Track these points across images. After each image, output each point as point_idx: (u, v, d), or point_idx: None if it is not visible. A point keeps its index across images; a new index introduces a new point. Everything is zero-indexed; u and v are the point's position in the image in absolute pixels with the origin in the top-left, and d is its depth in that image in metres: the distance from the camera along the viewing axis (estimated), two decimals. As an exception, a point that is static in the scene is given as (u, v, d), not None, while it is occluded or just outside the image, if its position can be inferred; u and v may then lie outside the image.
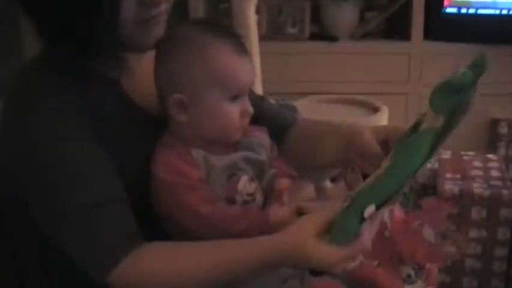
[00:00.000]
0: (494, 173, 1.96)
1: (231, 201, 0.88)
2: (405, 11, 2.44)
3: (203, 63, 0.87)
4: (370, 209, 0.71)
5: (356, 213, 0.72)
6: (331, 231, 0.74)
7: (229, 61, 0.87)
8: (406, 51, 2.45)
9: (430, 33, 2.39)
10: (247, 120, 0.91)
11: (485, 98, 2.48)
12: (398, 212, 0.92)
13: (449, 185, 1.81)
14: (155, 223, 0.88)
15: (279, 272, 0.87)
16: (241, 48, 0.90)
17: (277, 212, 0.86)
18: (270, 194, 0.92)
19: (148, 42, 0.87)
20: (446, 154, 2.35)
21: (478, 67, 0.71)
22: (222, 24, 0.99)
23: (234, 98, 0.88)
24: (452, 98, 0.70)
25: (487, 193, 1.81)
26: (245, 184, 0.90)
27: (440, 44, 2.40)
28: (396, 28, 2.50)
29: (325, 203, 0.88)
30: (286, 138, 1.07)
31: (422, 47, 2.42)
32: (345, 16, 2.50)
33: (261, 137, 0.97)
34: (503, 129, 2.45)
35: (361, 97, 2.29)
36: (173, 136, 0.90)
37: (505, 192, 1.81)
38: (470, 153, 2.37)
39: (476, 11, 2.40)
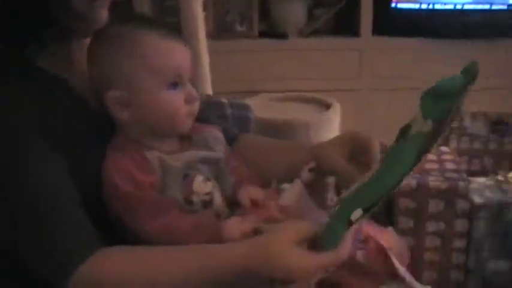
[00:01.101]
0: (450, 166, 1.95)
1: (189, 202, 0.84)
2: (354, 7, 2.43)
3: (133, 53, 0.83)
4: (357, 212, 0.69)
5: (343, 218, 0.70)
6: (315, 240, 0.72)
7: (158, 46, 0.84)
8: (356, 47, 2.44)
9: (379, 29, 2.39)
10: (195, 106, 0.87)
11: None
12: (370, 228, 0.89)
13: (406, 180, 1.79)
14: (113, 228, 0.82)
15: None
16: (171, 32, 0.86)
17: (232, 229, 0.80)
18: (234, 202, 0.89)
19: (93, 26, 0.83)
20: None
21: (469, 73, 0.71)
22: (156, 20, 0.95)
23: (175, 86, 0.84)
24: (441, 103, 0.70)
25: (443, 186, 1.80)
26: (200, 184, 0.86)
27: (390, 39, 2.41)
28: (345, 24, 2.48)
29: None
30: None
31: (371, 43, 2.42)
32: (294, 13, 2.48)
33: (215, 132, 0.94)
34: (455, 123, 2.46)
35: (312, 94, 2.28)
36: (123, 138, 0.85)
37: (461, 184, 1.81)
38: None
39: (428, 5, 2.42)
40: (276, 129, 1.90)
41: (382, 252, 0.84)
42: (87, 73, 0.86)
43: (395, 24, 2.39)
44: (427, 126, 0.69)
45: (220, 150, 0.92)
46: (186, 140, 0.90)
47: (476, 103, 2.52)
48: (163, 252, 0.76)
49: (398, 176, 0.69)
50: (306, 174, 0.90)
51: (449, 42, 2.41)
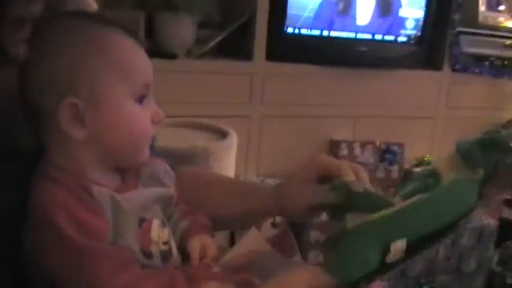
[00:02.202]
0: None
1: (148, 255, 0.66)
2: (246, 31, 2.33)
3: (98, 52, 0.65)
4: (401, 243, 0.59)
5: (377, 240, 0.60)
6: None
7: (126, 46, 0.68)
8: (248, 72, 2.33)
9: (271, 54, 2.31)
10: (156, 129, 0.71)
11: (324, 120, 2.50)
12: None
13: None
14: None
15: None
16: (133, 33, 0.70)
17: None
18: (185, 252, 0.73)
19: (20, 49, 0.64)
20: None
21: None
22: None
23: (141, 99, 0.68)
24: (494, 155, 0.68)
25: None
26: (158, 231, 0.68)
27: (283, 64, 2.34)
28: (238, 48, 2.37)
29: None
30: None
31: (264, 68, 2.33)
32: (182, 32, 2.31)
33: (163, 164, 0.76)
34: (344, 151, 2.45)
35: (206, 121, 2.12)
36: (61, 167, 0.64)
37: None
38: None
39: (321, 32, 2.39)
40: (175, 158, 1.73)
41: None
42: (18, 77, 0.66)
43: (288, 50, 2.32)
44: (479, 174, 0.66)
45: (172, 186, 0.75)
46: (131, 174, 0.71)
47: (366, 132, 2.55)
48: None
49: (455, 214, 0.62)
50: (268, 230, 0.78)
51: (342, 70, 2.40)
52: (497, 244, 2.26)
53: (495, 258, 2.29)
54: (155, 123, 0.69)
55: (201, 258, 0.72)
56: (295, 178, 0.81)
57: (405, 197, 0.67)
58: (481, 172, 0.66)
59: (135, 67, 0.67)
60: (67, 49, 0.64)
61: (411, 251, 0.61)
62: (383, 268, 0.61)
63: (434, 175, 0.70)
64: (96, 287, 0.59)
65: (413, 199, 0.64)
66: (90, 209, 0.62)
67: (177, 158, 1.93)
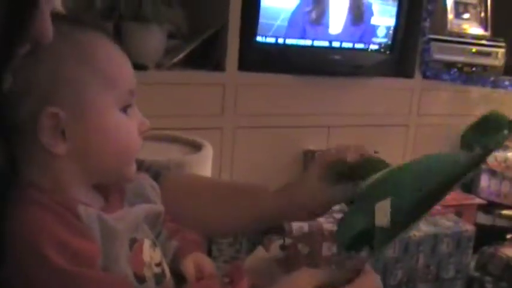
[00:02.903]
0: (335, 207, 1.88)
1: (141, 279, 0.61)
2: (217, 41, 2.29)
3: (82, 59, 0.60)
4: (384, 204, 0.59)
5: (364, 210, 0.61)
6: None
7: (111, 52, 0.63)
8: (221, 82, 2.29)
9: (244, 64, 2.27)
10: (141, 142, 0.66)
11: (298, 130, 2.47)
12: None
13: (298, 224, 1.69)
14: None
15: None
16: (116, 39, 0.66)
17: None
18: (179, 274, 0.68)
19: None
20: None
21: None
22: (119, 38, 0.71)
23: (126, 109, 0.63)
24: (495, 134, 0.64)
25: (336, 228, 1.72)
26: (149, 252, 0.63)
27: (255, 74, 2.30)
28: (209, 58, 2.33)
29: None
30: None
31: (237, 78, 2.29)
32: (152, 43, 2.26)
33: (148, 178, 0.72)
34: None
35: (178, 133, 2.07)
36: (38, 187, 0.58)
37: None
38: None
39: (293, 41, 2.35)
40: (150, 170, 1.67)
41: None
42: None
43: (261, 60, 2.29)
44: (477, 151, 0.63)
45: (158, 201, 0.70)
46: (115, 192, 0.65)
47: (340, 141, 2.53)
48: None
49: (448, 175, 0.61)
50: (276, 251, 0.74)
51: (315, 79, 2.38)
52: (474, 250, 2.27)
53: (473, 264, 2.29)
54: (141, 133, 0.65)
55: (198, 279, 0.67)
56: (310, 176, 0.78)
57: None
58: (478, 150, 0.62)
59: (120, 74, 0.63)
60: (47, 54, 0.58)
61: (410, 213, 0.61)
62: (380, 232, 0.61)
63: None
64: None
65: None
66: (79, 233, 0.56)
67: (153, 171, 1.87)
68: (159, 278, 0.63)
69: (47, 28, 0.54)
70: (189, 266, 0.67)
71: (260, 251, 0.75)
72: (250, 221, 0.80)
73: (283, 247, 0.76)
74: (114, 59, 0.63)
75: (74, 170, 0.60)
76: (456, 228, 2.13)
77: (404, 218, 0.61)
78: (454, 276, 2.17)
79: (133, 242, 0.61)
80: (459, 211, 2.42)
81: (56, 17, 0.64)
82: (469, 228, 2.14)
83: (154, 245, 0.64)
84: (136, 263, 0.60)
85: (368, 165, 0.69)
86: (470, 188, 2.70)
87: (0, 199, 0.56)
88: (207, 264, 0.69)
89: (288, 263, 0.75)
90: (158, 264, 0.63)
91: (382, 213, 0.61)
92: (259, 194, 0.81)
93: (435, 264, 2.10)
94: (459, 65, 2.69)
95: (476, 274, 2.26)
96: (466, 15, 2.82)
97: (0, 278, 0.54)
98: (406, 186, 0.61)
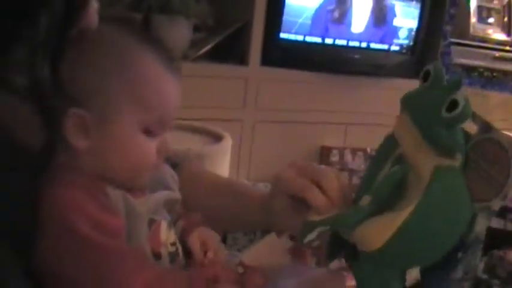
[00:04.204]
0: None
1: (157, 256, 0.66)
2: (242, 35, 2.35)
3: (122, 72, 0.63)
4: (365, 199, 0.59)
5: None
6: None
7: (155, 77, 0.65)
8: (243, 76, 2.35)
9: (266, 59, 2.33)
10: (161, 161, 0.69)
11: (316, 126, 2.52)
12: None
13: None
14: None
15: None
16: (172, 64, 0.68)
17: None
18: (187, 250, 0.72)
19: None
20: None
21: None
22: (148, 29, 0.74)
23: (150, 132, 0.65)
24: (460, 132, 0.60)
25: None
26: (166, 233, 0.69)
27: (277, 70, 2.35)
28: (233, 52, 2.39)
29: None
30: None
31: (259, 72, 2.34)
32: (178, 35, 2.32)
33: (169, 169, 0.76)
34: (335, 157, 2.48)
35: (199, 124, 2.13)
36: (75, 169, 0.63)
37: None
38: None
39: (315, 39, 2.41)
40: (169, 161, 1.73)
41: None
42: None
43: (283, 56, 2.34)
44: (457, 160, 0.59)
45: (176, 190, 0.75)
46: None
47: (357, 139, 2.57)
48: None
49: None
50: (287, 242, 0.78)
51: (335, 77, 2.42)
52: (484, 252, 2.30)
53: (481, 266, 2.32)
54: (159, 154, 0.67)
55: (204, 253, 0.72)
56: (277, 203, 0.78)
57: (372, 195, 0.63)
58: (459, 157, 0.59)
59: (157, 104, 0.65)
60: (93, 60, 0.63)
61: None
62: None
63: (400, 161, 0.65)
64: (119, 285, 0.59)
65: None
66: (107, 209, 0.62)
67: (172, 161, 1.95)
68: (173, 256, 0.68)
69: (94, 20, 0.60)
70: (194, 241, 0.71)
71: (272, 237, 0.79)
72: (249, 225, 0.85)
73: (292, 237, 0.80)
74: (153, 85, 0.65)
75: (89, 164, 0.64)
76: (467, 230, 2.16)
77: None
78: (462, 277, 2.20)
79: (151, 222, 0.66)
80: (471, 214, 2.45)
81: (124, 25, 0.70)
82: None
83: (170, 226, 0.70)
84: (154, 242, 0.66)
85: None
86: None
87: (37, 179, 0.62)
88: (211, 238, 0.73)
89: (296, 252, 0.79)
90: (173, 244, 0.69)
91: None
92: (248, 204, 0.85)
93: (444, 264, 2.14)
94: (480, 70, 2.71)
95: (484, 276, 2.29)
96: (491, 20, 2.83)
97: (35, 253, 0.59)
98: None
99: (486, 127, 0.61)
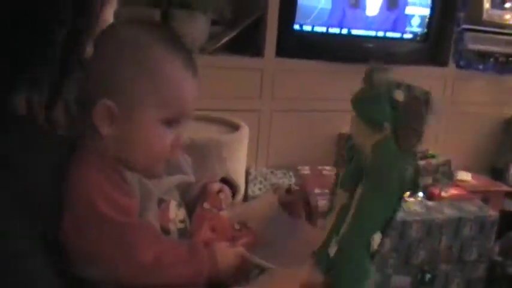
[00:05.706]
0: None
1: (166, 231, 0.75)
2: (257, 28, 2.42)
3: (148, 72, 0.72)
4: (377, 236, 0.66)
5: (359, 238, 0.65)
6: None
7: (177, 76, 0.74)
8: (259, 67, 2.42)
9: (281, 50, 2.39)
10: (176, 154, 0.78)
11: (332, 114, 2.57)
12: None
13: (322, 201, 1.81)
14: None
15: None
16: (192, 60, 0.77)
17: (225, 253, 0.74)
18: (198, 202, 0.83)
19: None
20: (305, 170, 2.36)
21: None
22: (171, 30, 0.82)
23: (170, 123, 0.75)
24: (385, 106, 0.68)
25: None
26: (175, 211, 0.78)
27: (292, 60, 2.42)
28: (249, 44, 2.46)
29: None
30: None
31: (274, 64, 2.41)
32: (196, 29, 2.40)
33: (185, 155, 0.86)
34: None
35: (217, 114, 2.21)
36: (96, 154, 0.72)
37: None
38: (328, 167, 2.41)
39: (327, 29, 2.46)
40: (187, 149, 1.82)
41: None
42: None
43: (297, 47, 2.40)
44: (386, 130, 0.66)
45: (190, 173, 0.84)
46: None
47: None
48: None
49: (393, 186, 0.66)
50: (283, 195, 0.86)
51: (349, 66, 2.47)
52: (499, 235, 2.34)
53: (496, 249, 2.37)
54: (173, 147, 0.76)
55: (218, 191, 0.82)
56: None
57: (342, 186, 0.72)
58: (387, 126, 0.66)
59: (177, 99, 0.74)
60: (123, 59, 0.72)
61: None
62: None
63: (352, 148, 0.73)
64: (133, 256, 0.68)
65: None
66: (124, 192, 0.71)
67: (190, 150, 2.06)
68: (182, 232, 0.77)
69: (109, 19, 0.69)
70: (215, 186, 0.84)
71: (268, 193, 0.87)
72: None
73: (288, 190, 0.86)
74: (177, 84, 0.74)
75: (112, 149, 0.73)
76: (480, 213, 2.21)
77: None
78: (477, 259, 2.24)
79: (161, 201, 0.76)
80: (486, 197, 2.49)
81: (153, 28, 0.78)
82: (492, 213, 2.21)
83: (179, 205, 0.79)
84: (163, 218, 0.75)
85: None
86: (500, 175, 2.76)
87: (66, 161, 0.70)
88: (227, 188, 0.86)
89: (291, 207, 0.85)
90: (182, 221, 0.78)
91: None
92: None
93: (458, 246, 2.19)
94: (495, 55, 2.73)
95: (499, 259, 2.34)
96: (508, 5, 2.84)
97: (59, 229, 0.68)
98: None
99: (409, 89, 0.70)
